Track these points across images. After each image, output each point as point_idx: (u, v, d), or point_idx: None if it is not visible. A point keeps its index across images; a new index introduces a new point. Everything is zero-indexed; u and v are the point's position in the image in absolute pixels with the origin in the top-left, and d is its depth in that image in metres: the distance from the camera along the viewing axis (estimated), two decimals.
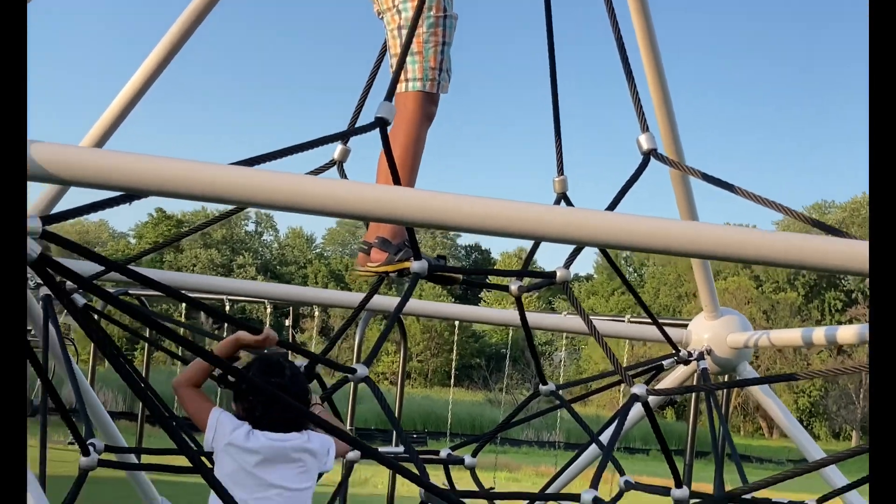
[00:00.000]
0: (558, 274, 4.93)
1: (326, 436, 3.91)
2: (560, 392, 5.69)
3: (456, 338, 24.78)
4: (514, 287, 5.17)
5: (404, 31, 4.66)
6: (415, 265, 4.64)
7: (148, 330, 7.98)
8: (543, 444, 37.50)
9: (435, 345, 57.95)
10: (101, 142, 5.75)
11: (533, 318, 6.02)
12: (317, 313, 24.53)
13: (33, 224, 2.93)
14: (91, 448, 4.68)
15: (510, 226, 2.94)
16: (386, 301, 6.45)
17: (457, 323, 20.92)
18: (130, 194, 3.40)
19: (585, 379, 19.51)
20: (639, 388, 4.56)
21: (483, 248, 79.61)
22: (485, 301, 59.52)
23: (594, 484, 4.21)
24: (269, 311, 18.61)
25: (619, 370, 4.76)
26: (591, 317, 5.40)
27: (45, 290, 5.79)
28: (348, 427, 16.64)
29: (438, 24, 4.71)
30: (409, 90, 4.67)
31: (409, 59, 4.62)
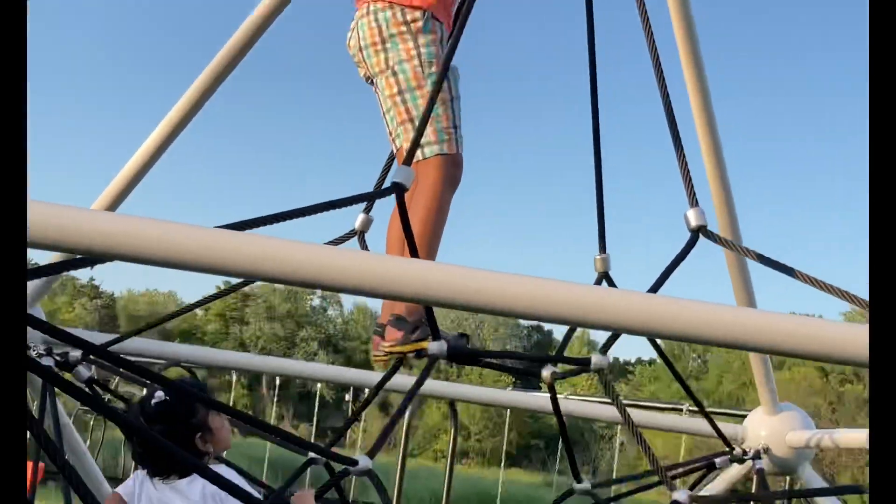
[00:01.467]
0: (593, 360, 4.47)
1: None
2: (598, 490, 5.16)
3: (508, 419, 24.00)
4: (546, 373, 4.70)
5: (407, 96, 4.25)
6: (432, 346, 4.20)
7: None
8: None
9: (493, 424, 57.07)
10: (112, 207, 5.46)
11: (568, 405, 5.54)
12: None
13: None
14: None
15: (540, 308, 2.50)
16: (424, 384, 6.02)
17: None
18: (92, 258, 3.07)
19: (625, 478, 18.70)
20: (680, 495, 4.04)
21: (545, 328, 78.94)
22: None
23: None
24: (318, 385, 18.30)
25: (657, 470, 4.25)
26: (648, 403, 4.90)
27: (47, 361, 5.47)
28: None
29: (443, 81, 4.27)
30: (428, 156, 4.24)
31: (416, 124, 4.17)
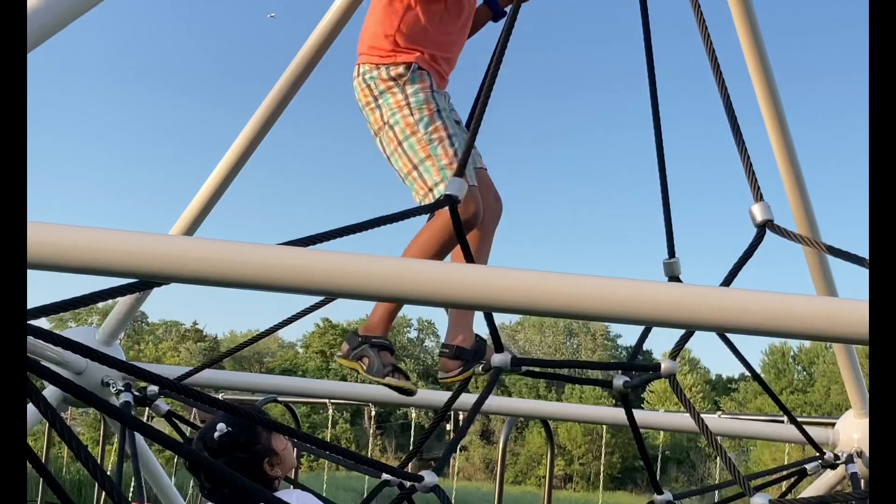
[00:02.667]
0: (663, 366, 4.32)
1: None
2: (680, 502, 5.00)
3: (605, 437, 23.66)
4: (618, 382, 4.56)
5: (405, 145, 4.24)
6: (496, 358, 4.12)
7: None
8: None
9: (596, 447, 56.40)
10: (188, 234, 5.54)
11: (646, 417, 5.39)
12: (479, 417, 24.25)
13: None
14: None
15: (615, 308, 2.44)
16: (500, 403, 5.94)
17: (604, 426, 20.08)
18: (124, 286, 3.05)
19: (707, 488, 18.23)
20: (760, 499, 3.87)
21: (645, 348, 77.68)
22: (648, 403, 57.79)
23: None
24: (414, 414, 18.25)
25: (737, 478, 4.07)
26: (747, 416, 4.74)
27: (125, 397, 5.53)
28: None
29: (435, 119, 4.24)
30: (437, 198, 4.10)
31: (421, 168, 4.20)
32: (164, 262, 2.44)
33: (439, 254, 4.21)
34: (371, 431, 36.85)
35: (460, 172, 3.79)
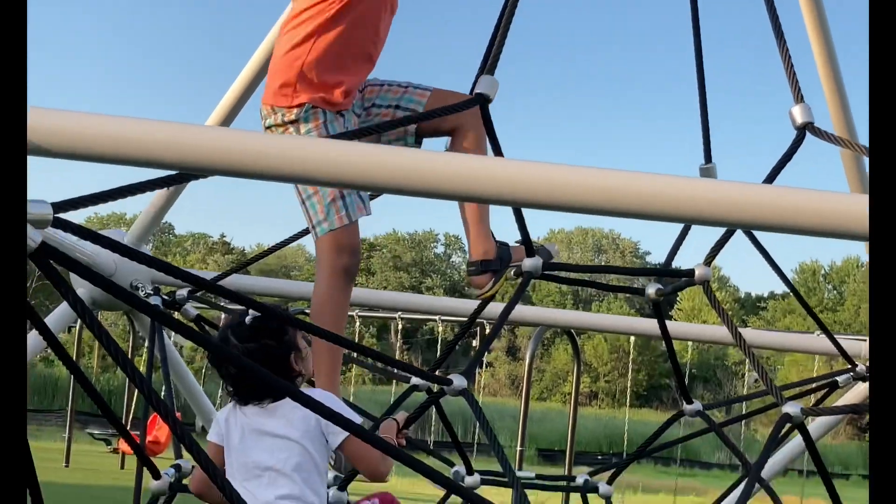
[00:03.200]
0: (697, 272, 4.27)
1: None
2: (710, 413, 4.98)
3: (632, 353, 23.68)
4: (651, 289, 4.52)
5: (300, 187, 4.20)
6: (527, 263, 4.07)
7: None
8: (736, 468, 35.67)
9: (622, 364, 56.65)
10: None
11: (678, 328, 5.33)
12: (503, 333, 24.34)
13: (42, 210, 2.48)
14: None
15: (654, 204, 2.38)
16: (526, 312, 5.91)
17: (632, 339, 20.11)
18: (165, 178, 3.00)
19: (738, 398, 18.27)
20: (791, 408, 3.81)
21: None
22: (678, 315, 57.76)
23: None
24: (440, 328, 18.30)
25: (769, 387, 4.03)
26: (784, 332, 4.68)
27: (154, 301, 5.51)
28: (517, 448, 16.08)
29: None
30: (320, 235, 4.13)
31: (308, 204, 4.15)
32: (205, 152, 2.42)
33: (337, 296, 4.21)
34: (397, 346, 37.09)
35: (492, 71, 3.70)
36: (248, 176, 2.49)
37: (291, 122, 4.19)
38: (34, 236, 2.40)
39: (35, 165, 2.48)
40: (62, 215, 2.59)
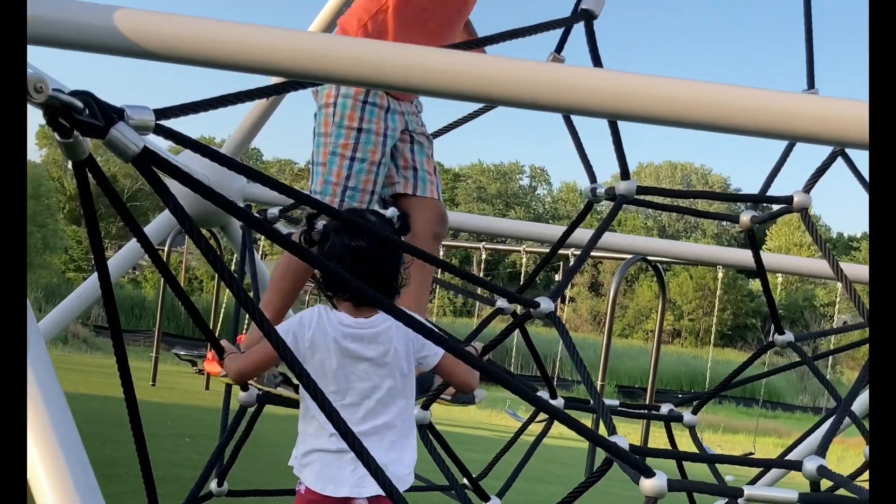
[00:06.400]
0: (795, 199, 4.17)
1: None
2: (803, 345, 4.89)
3: (719, 290, 23.39)
4: (745, 217, 4.43)
5: (315, 140, 4.39)
6: (620, 186, 4.03)
7: None
8: (819, 410, 35.23)
9: (707, 303, 56.14)
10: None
11: (771, 259, 5.24)
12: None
13: (144, 116, 2.50)
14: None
15: (745, 118, 2.34)
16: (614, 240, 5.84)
17: (719, 276, 19.87)
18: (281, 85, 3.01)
19: (827, 331, 17.88)
20: None
21: None
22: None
23: (821, 450, 3.45)
24: (524, 259, 18.27)
25: (866, 317, 3.93)
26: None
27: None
28: (598, 383, 16.05)
29: (349, 137, 4.27)
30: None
31: (315, 170, 4.33)
32: (315, 59, 2.42)
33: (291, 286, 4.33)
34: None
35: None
36: (356, 83, 2.49)
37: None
38: (136, 141, 2.43)
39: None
40: (163, 123, 2.61)
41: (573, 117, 4.35)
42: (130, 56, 2.42)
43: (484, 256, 18.10)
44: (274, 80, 2.93)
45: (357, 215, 3.42)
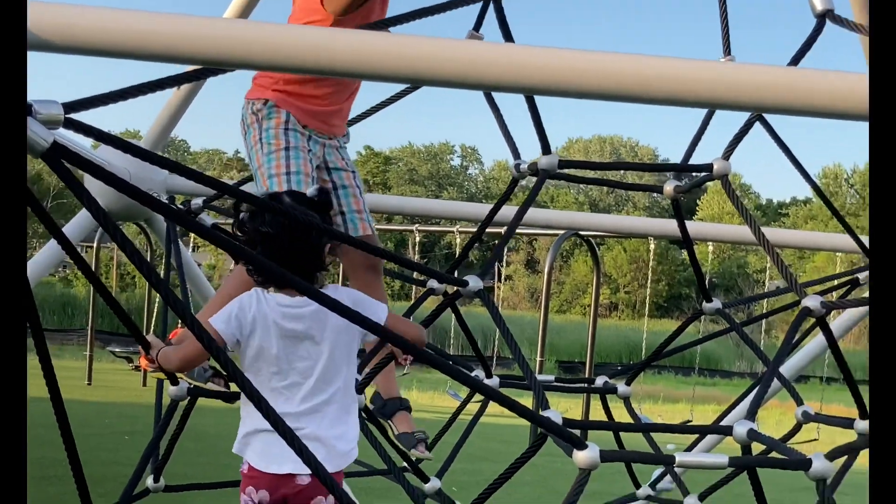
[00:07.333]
0: (715, 166, 4.20)
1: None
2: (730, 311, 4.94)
3: (651, 262, 23.61)
4: (668, 187, 4.46)
5: (256, 174, 4.51)
6: (542, 160, 4.03)
7: None
8: (757, 376, 35.66)
9: (642, 275, 56.69)
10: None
11: (699, 228, 5.28)
12: (522, 246, 24.34)
13: (53, 110, 2.45)
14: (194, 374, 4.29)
15: (673, 89, 2.35)
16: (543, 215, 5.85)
17: (651, 248, 20.04)
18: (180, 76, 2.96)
19: (758, 296, 18.14)
20: (811, 301, 3.78)
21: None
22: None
23: (750, 414, 3.49)
24: (458, 240, 18.28)
25: (789, 281, 3.98)
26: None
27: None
28: (537, 359, 16.17)
29: (279, 157, 4.44)
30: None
31: (255, 174, 4.51)
32: (227, 46, 2.38)
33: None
34: (415, 260, 37.13)
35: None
36: (268, 68, 2.46)
37: (255, 113, 4.48)
38: (45, 136, 2.37)
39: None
40: (74, 116, 2.56)
41: (499, 94, 4.36)
42: (31, 49, 2.36)
43: (418, 239, 18.04)
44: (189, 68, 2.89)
45: (275, 199, 3.40)
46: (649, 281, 26.61)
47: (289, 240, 3.30)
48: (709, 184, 4.71)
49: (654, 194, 4.97)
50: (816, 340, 5.82)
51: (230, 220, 3.49)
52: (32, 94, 2.36)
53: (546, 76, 2.39)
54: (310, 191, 3.49)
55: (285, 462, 3.35)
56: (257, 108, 4.49)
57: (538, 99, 3.96)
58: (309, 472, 3.33)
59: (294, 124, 4.46)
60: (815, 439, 15.40)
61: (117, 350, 25.94)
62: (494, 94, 4.48)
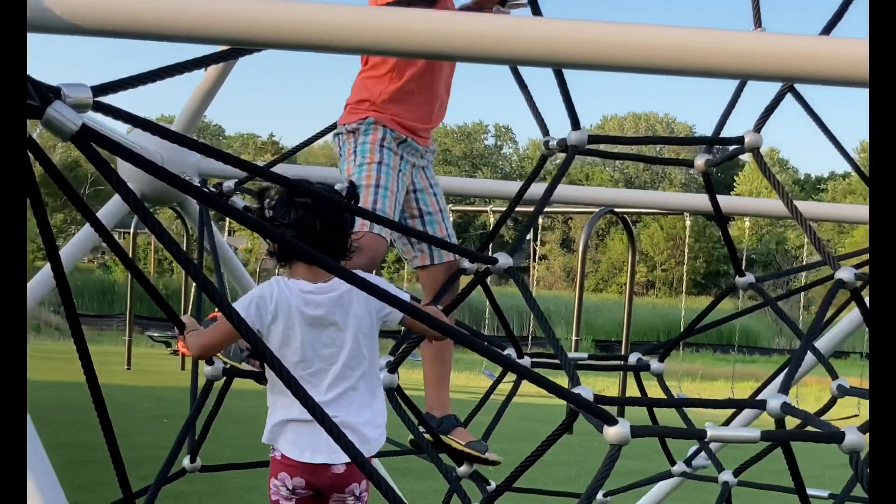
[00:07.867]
0: (747, 139, 4.16)
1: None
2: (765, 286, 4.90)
3: (688, 238, 23.47)
4: (699, 161, 4.42)
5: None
6: (572, 136, 4.00)
7: None
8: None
9: (679, 253, 56.37)
10: None
11: (729, 201, 5.24)
12: (559, 225, 24.39)
13: (81, 94, 2.46)
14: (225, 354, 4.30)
15: (696, 60, 2.33)
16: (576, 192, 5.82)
17: (687, 224, 19.91)
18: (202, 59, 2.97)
19: (792, 270, 18.00)
20: (845, 272, 3.74)
21: None
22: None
23: (783, 388, 3.46)
24: (492, 220, 18.27)
25: (824, 255, 3.94)
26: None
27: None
28: (573, 338, 16.15)
29: (371, 169, 4.44)
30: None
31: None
32: (258, 25, 2.37)
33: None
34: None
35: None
36: (298, 47, 2.44)
37: (352, 132, 4.54)
38: (74, 119, 2.38)
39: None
40: (103, 100, 2.57)
41: (529, 70, 4.34)
42: (58, 33, 2.37)
43: (452, 219, 18.05)
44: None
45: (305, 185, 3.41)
46: (686, 258, 26.48)
47: (321, 223, 3.32)
48: (746, 159, 4.65)
49: (691, 170, 4.93)
50: (853, 314, 5.76)
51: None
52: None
53: (573, 49, 2.37)
54: (338, 185, 3.52)
55: (319, 452, 3.38)
56: (353, 126, 4.55)
57: (568, 74, 3.94)
58: (342, 460, 3.37)
59: (390, 142, 4.52)
60: (855, 415, 15.30)
61: (156, 335, 26.19)
62: (523, 71, 4.46)
